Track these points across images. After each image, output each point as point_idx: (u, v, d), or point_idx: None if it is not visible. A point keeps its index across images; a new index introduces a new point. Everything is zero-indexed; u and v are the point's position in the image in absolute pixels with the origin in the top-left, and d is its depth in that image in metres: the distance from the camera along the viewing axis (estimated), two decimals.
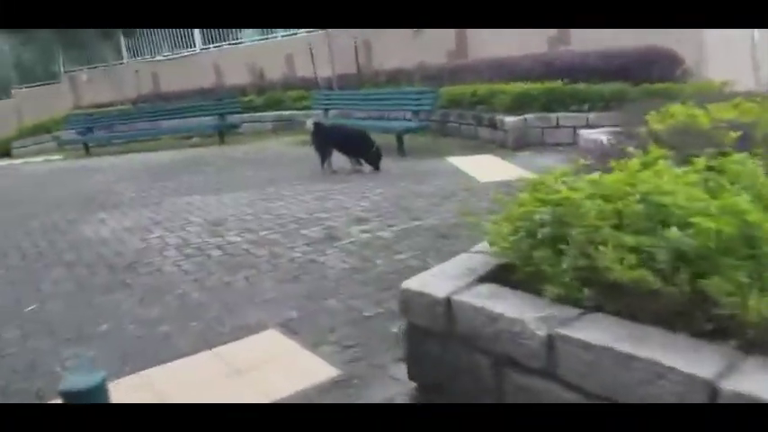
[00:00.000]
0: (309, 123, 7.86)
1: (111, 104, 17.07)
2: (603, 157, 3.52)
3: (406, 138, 8.96)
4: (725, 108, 4.02)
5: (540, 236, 2.13)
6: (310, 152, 9.28)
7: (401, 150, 8.83)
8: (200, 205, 6.42)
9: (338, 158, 7.87)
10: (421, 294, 2.24)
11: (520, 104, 8.91)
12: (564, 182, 2.31)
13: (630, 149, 2.84)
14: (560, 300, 1.96)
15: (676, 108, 4.25)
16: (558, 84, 8.83)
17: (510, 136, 8.64)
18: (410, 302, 2.29)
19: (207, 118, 13.42)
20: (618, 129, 6.07)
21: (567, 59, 9.23)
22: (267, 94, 14.63)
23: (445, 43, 13.38)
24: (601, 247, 1.87)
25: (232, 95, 14.13)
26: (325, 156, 7.78)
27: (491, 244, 2.38)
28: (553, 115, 8.67)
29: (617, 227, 1.96)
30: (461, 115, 10.03)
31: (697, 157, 2.30)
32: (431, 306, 2.19)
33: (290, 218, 5.54)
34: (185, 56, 17.82)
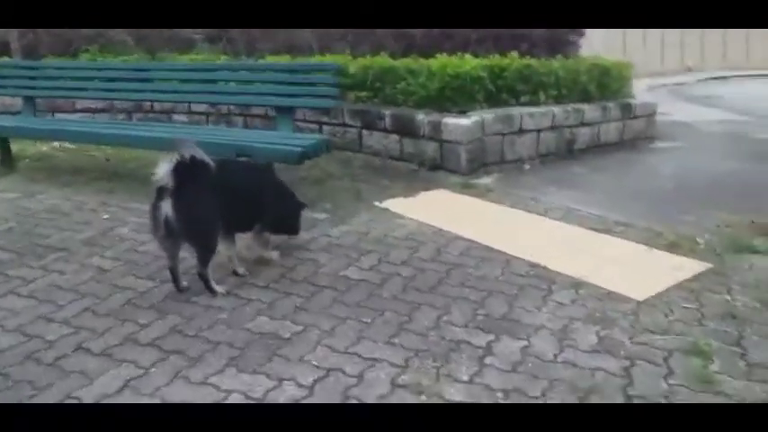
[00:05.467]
0: (165, 169, 2.58)
1: None
2: None
3: None
4: None
5: None
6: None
7: None
8: None
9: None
10: None
11: (454, 95, 5.16)
12: None
13: None
14: None
15: None
16: (512, 58, 5.36)
17: (461, 151, 4.86)
18: None
19: None
20: None
21: None
22: None
23: None
24: None
25: None
26: (213, 248, 2.87)
27: None
28: (515, 112, 5.21)
29: None
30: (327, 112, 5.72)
31: None
32: None
33: None
34: None
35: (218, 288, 2.88)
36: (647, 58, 16.46)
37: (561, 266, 3.09)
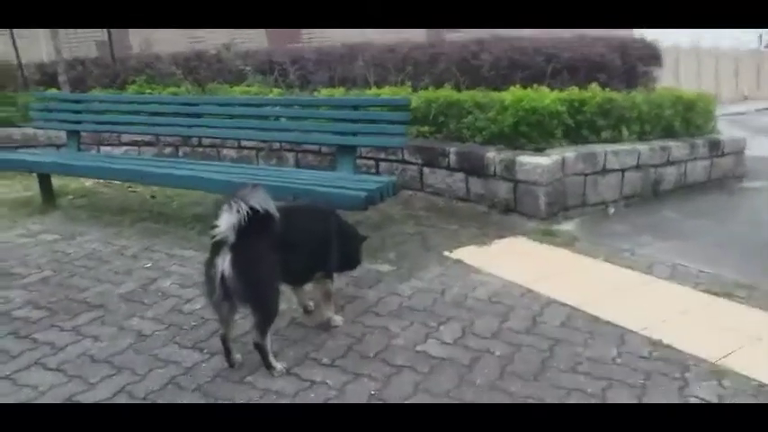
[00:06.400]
0: (227, 221, 2.15)
1: None
2: None
3: None
4: None
5: None
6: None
7: None
8: None
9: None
10: None
11: (530, 131, 4.65)
12: None
13: None
14: None
15: None
16: (593, 91, 4.84)
17: (540, 193, 4.33)
18: None
19: None
20: None
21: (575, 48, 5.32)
22: None
23: None
24: None
25: None
26: (274, 314, 2.41)
27: None
28: (599, 150, 4.67)
29: None
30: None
31: None
32: None
33: None
34: None
35: (278, 365, 2.41)
36: (701, 87, 15.73)
37: (689, 345, 2.51)
